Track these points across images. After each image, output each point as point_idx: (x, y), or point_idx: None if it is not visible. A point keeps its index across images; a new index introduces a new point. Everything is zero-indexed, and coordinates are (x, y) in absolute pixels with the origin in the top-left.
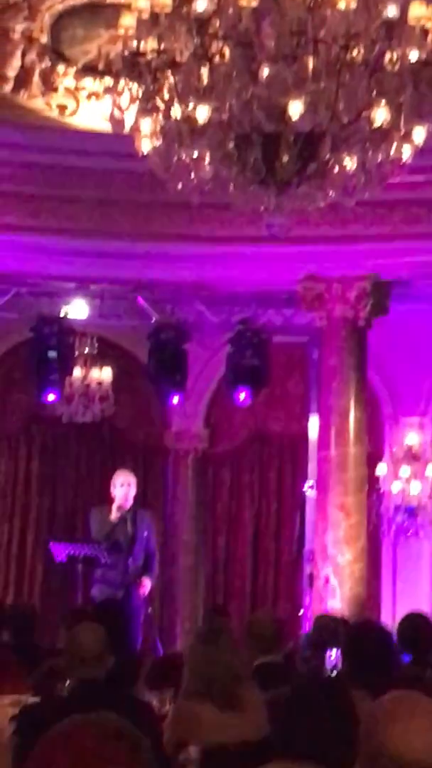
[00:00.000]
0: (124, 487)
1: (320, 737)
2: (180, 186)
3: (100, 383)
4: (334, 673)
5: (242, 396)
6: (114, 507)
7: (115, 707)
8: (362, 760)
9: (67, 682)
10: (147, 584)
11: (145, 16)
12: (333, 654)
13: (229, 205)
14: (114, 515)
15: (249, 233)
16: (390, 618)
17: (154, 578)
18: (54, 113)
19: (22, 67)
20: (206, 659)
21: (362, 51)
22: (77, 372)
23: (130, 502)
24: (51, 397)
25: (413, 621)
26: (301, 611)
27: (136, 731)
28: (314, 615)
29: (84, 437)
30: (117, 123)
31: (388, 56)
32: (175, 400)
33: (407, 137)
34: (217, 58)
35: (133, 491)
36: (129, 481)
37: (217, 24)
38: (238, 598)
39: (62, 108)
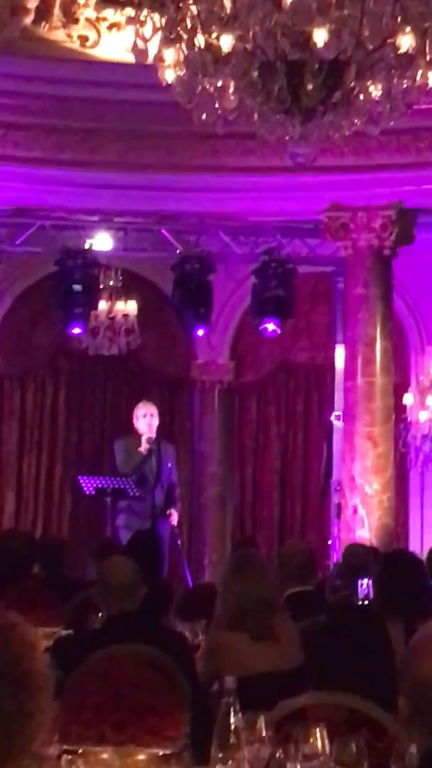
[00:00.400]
0: (147, 418)
1: (356, 666)
2: (204, 116)
3: (125, 316)
4: (366, 602)
5: (271, 327)
6: (144, 439)
7: (148, 639)
8: (406, 694)
9: (100, 614)
10: (175, 515)
11: None
12: (364, 583)
13: (253, 135)
14: (143, 447)
15: (274, 163)
16: (418, 547)
17: (178, 509)
18: (75, 45)
19: None
20: (239, 590)
21: None
22: (102, 305)
23: (154, 434)
24: (77, 330)
25: None
26: (330, 541)
27: (171, 661)
28: (343, 545)
29: (110, 370)
30: (140, 53)
31: None
32: (200, 332)
33: None
34: None
35: (156, 422)
36: (152, 411)
37: None
38: (266, 529)
39: (83, 39)
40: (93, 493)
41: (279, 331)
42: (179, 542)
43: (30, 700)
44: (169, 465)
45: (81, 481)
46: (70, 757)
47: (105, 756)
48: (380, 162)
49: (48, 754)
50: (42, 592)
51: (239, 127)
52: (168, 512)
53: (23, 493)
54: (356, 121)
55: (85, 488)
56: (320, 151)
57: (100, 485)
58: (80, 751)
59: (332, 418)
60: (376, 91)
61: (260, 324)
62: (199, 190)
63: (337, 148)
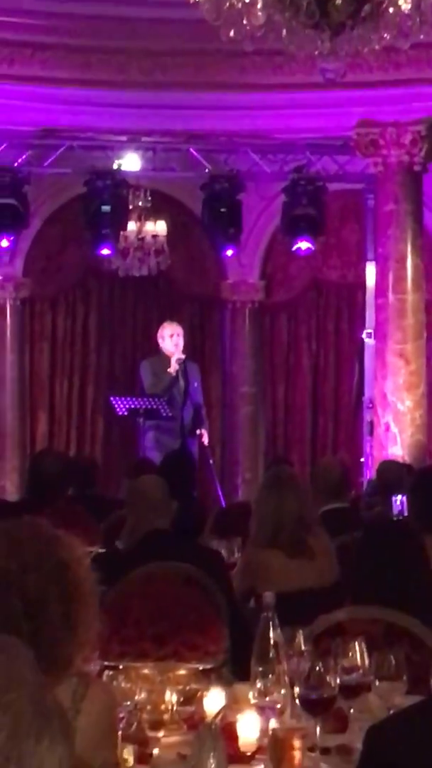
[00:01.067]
0: (174, 338)
1: (392, 581)
2: (232, 33)
3: (155, 236)
4: (400, 518)
5: (305, 245)
6: (173, 360)
7: (184, 556)
8: None
9: (132, 532)
10: (206, 434)
11: None
12: (398, 500)
13: (282, 51)
14: (173, 368)
15: (302, 79)
16: None
17: (206, 429)
18: None
19: None
20: (274, 507)
21: None
22: (132, 226)
23: (180, 354)
24: (105, 251)
25: None
26: (362, 459)
27: (207, 578)
28: (375, 463)
29: (140, 291)
30: None
31: None
32: (229, 252)
33: None
34: None
35: (181, 342)
36: (178, 331)
37: None
38: (299, 448)
39: None
40: (125, 413)
41: (312, 249)
42: (211, 461)
43: (76, 608)
44: (195, 384)
45: (113, 401)
46: (111, 673)
47: (146, 671)
48: (410, 76)
49: (90, 671)
50: (79, 512)
51: (267, 43)
52: (198, 432)
53: (56, 415)
54: (386, 35)
55: (118, 409)
56: (349, 66)
57: (132, 406)
58: (121, 667)
59: (363, 336)
60: (405, 4)
61: (292, 243)
62: (228, 108)
63: (366, 63)
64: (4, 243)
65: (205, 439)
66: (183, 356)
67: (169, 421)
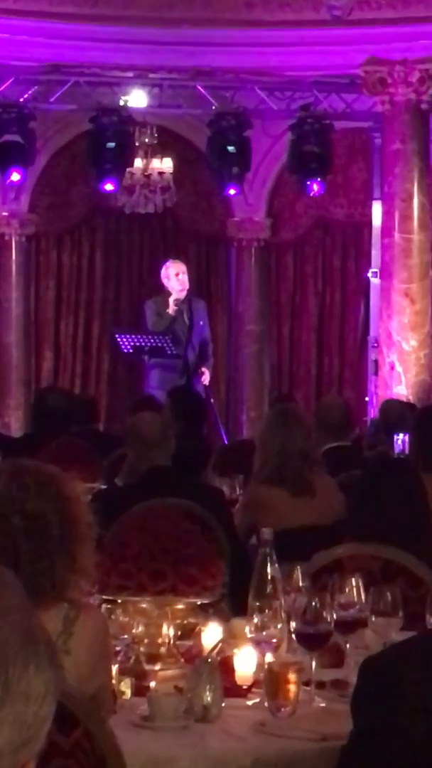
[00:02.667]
0: (181, 276)
1: (391, 518)
2: None
3: (161, 174)
4: (402, 456)
5: (315, 188)
6: (171, 300)
7: (186, 493)
8: None
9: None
10: (207, 373)
11: None
12: (400, 438)
13: None
14: (172, 308)
15: (309, 17)
16: None
17: (210, 366)
18: None
19: None
20: (278, 444)
21: None
22: (138, 163)
23: (185, 292)
24: (109, 186)
25: None
26: (367, 398)
27: (208, 514)
28: (380, 401)
29: (146, 228)
30: None
31: None
32: (232, 192)
33: None
34: None
35: (186, 280)
36: (183, 270)
37: None
38: (304, 385)
39: None
40: (130, 351)
41: (322, 191)
42: (212, 400)
43: (73, 535)
44: (201, 323)
45: (118, 338)
46: (109, 606)
47: (144, 605)
48: (418, 14)
49: (89, 602)
50: (82, 448)
51: None
52: (200, 370)
53: (61, 351)
54: None
55: (123, 346)
56: (357, 3)
57: (137, 343)
58: (119, 601)
59: (369, 275)
60: None
61: (299, 182)
62: (235, 45)
63: (374, 0)
64: (15, 176)
65: (205, 378)
66: (182, 296)
67: (173, 360)
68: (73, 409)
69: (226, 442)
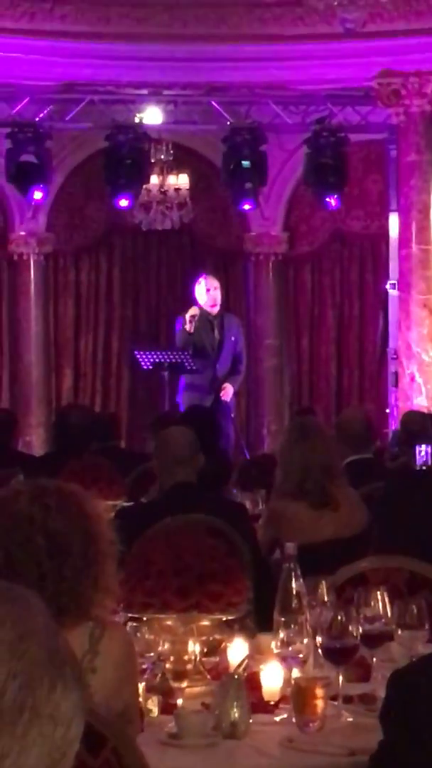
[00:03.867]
0: (209, 293)
1: (415, 530)
2: None
3: (177, 190)
4: (424, 468)
5: (333, 202)
6: (187, 316)
7: (209, 508)
8: None
9: (158, 485)
10: (229, 389)
11: None
12: (422, 450)
13: (301, 2)
14: (187, 326)
15: (323, 30)
16: None
17: (238, 382)
18: None
19: None
20: (299, 457)
21: None
22: (154, 179)
23: (217, 308)
24: (123, 203)
25: None
26: (387, 410)
27: (231, 530)
28: (400, 413)
29: (164, 245)
30: None
31: None
32: (246, 207)
33: None
34: None
35: (218, 295)
36: (213, 285)
37: None
38: (324, 399)
39: None
40: (150, 367)
41: (339, 205)
42: (232, 415)
43: (96, 554)
44: (233, 338)
45: (138, 356)
46: (135, 624)
47: (169, 623)
48: (430, 26)
49: (114, 620)
50: (104, 465)
51: None
52: (223, 386)
53: (81, 369)
54: None
55: (142, 363)
56: (370, 16)
57: (156, 360)
58: (144, 618)
59: (387, 286)
60: None
61: (315, 195)
62: (249, 60)
63: (386, 12)
64: (38, 195)
65: (225, 394)
66: (214, 311)
67: (199, 376)
68: (94, 426)
69: (247, 457)
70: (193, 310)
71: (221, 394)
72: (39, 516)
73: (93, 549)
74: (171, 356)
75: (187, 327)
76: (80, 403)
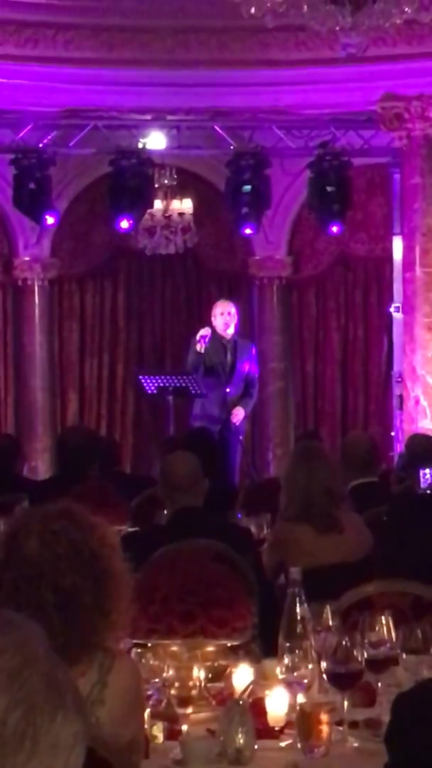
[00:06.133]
0: (224, 316)
1: (420, 554)
2: (253, 10)
3: (181, 214)
4: (429, 491)
5: (335, 229)
6: (198, 337)
7: (214, 533)
8: None
9: (165, 510)
10: (240, 413)
11: None
12: (427, 473)
13: (303, 27)
14: (198, 346)
15: (325, 55)
16: None
17: (250, 406)
18: None
19: None
20: (303, 482)
21: None
22: (158, 204)
23: (231, 332)
24: (124, 224)
25: None
26: (392, 433)
27: (236, 555)
28: (406, 436)
29: (168, 269)
30: None
31: None
32: (248, 231)
33: None
34: None
35: (232, 320)
36: (228, 310)
37: None
38: (329, 422)
39: None
40: (155, 392)
41: (342, 230)
42: (241, 438)
43: (108, 597)
44: (246, 365)
45: (142, 380)
46: (139, 650)
47: (174, 648)
48: None
49: (122, 650)
50: (109, 490)
51: (289, 19)
52: (234, 410)
53: (86, 394)
54: (407, 9)
55: (147, 388)
56: (372, 40)
57: (161, 384)
58: (149, 644)
59: (392, 309)
60: None
61: (322, 222)
62: (251, 85)
63: (388, 36)
64: (50, 220)
65: (236, 418)
66: (226, 336)
67: (210, 402)
68: (95, 446)
69: (255, 480)
70: (204, 331)
71: (232, 418)
72: (48, 569)
73: (105, 593)
74: (176, 380)
75: (197, 347)
76: (80, 425)
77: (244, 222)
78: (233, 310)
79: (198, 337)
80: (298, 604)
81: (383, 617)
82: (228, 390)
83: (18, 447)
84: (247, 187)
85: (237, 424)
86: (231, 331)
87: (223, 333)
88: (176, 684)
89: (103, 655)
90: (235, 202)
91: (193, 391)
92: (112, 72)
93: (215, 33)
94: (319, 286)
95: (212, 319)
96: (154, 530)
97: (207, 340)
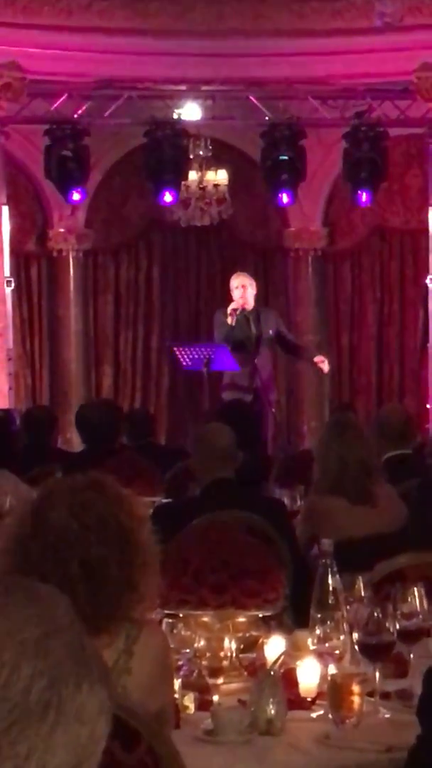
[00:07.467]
0: (239, 290)
1: None
2: None
3: (216, 186)
4: None
5: (364, 197)
6: (229, 310)
7: (248, 505)
8: None
9: (198, 481)
10: (322, 359)
11: None
12: None
13: None
14: (229, 319)
15: (361, 24)
16: None
17: (311, 351)
18: None
19: None
20: (337, 453)
21: None
22: (193, 175)
23: (250, 304)
24: (168, 198)
25: None
26: (428, 405)
27: (269, 527)
28: None
29: (203, 241)
30: None
31: None
32: (285, 198)
33: None
34: None
35: (250, 292)
36: (243, 283)
37: None
38: (364, 395)
39: None
40: (189, 363)
41: (370, 202)
42: (273, 410)
43: (136, 571)
44: (270, 332)
45: (176, 351)
46: (171, 621)
47: (205, 619)
48: None
49: (150, 619)
50: (142, 462)
51: None
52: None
53: (121, 366)
54: None
55: (181, 359)
56: (407, 9)
57: (194, 356)
58: (181, 615)
59: (427, 281)
60: None
61: (354, 193)
62: (287, 55)
63: (424, 6)
64: (76, 197)
65: (324, 364)
66: (238, 308)
67: (239, 372)
68: (116, 419)
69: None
70: (235, 304)
71: (321, 363)
72: (76, 540)
73: (132, 565)
74: (208, 351)
75: (229, 320)
76: (98, 399)
77: (281, 190)
78: (249, 282)
79: (229, 310)
80: (330, 576)
81: (415, 589)
82: (256, 362)
83: (53, 419)
84: (284, 156)
85: (328, 370)
86: (251, 302)
87: (243, 306)
88: (207, 654)
89: (130, 625)
90: (272, 171)
91: (228, 362)
92: (147, 42)
93: (251, 3)
94: (354, 257)
95: (231, 292)
96: (187, 502)
97: (237, 313)
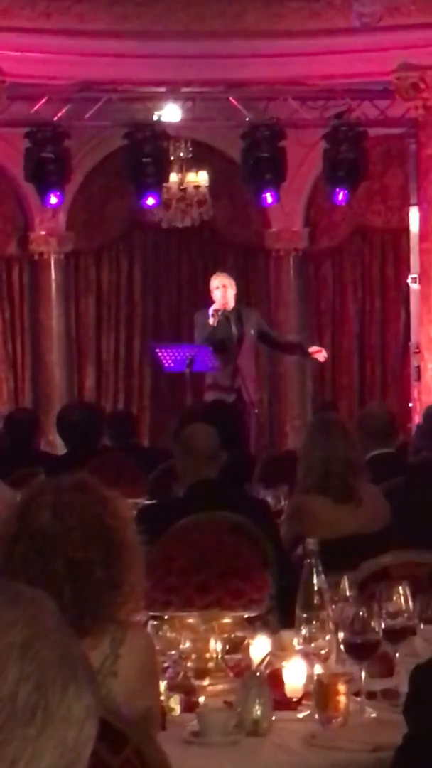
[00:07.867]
0: (219, 290)
1: None
2: None
3: (197, 187)
4: None
5: (340, 196)
6: (210, 311)
7: (231, 505)
8: None
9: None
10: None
11: None
12: None
13: None
14: (212, 320)
15: (340, 24)
16: None
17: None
18: None
19: None
20: (321, 452)
21: None
22: (173, 177)
23: (230, 304)
24: (150, 201)
25: None
26: (410, 404)
27: (254, 527)
28: (423, 407)
29: (184, 242)
30: None
31: None
32: (269, 198)
33: None
34: None
35: (230, 292)
36: (223, 283)
37: None
38: (346, 394)
39: None
40: (171, 364)
41: (347, 198)
42: (256, 411)
43: (119, 571)
44: (252, 331)
45: (158, 352)
46: (156, 622)
47: (190, 620)
48: None
49: (135, 622)
50: (126, 463)
51: None
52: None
53: (103, 368)
54: None
55: (163, 360)
56: (386, 10)
57: (177, 356)
58: (165, 616)
59: (409, 281)
60: None
61: (332, 191)
62: (266, 56)
63: (403, 5)
64: (54, 200)
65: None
66: (220, 308)
67: (221, 372)
68: (95, 420)
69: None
70: (217, 304)
71: (317, 353)
72: (60, 541)
73: (117, 566)
74: (190, 352)
75: (210, 321)
76: (77, 401)
77: (265, 190)
78: (228, 282)
79: (211, 311)
80: (315, 575)
81: (400, 587)
82: (238, 361)
83: (36, 421)
84: (266, 154)
85: (324, 357)
86: (231, 302)
87: (222, 306)
88: (193, 656)
89: (115, 627)
90: (255, 171)
91: (210, 363)
92: (127, 44)
93: (230, 4)
94: (335, 257)
95: (211, 293)
96: (171, 503)
97: (219, 314)
